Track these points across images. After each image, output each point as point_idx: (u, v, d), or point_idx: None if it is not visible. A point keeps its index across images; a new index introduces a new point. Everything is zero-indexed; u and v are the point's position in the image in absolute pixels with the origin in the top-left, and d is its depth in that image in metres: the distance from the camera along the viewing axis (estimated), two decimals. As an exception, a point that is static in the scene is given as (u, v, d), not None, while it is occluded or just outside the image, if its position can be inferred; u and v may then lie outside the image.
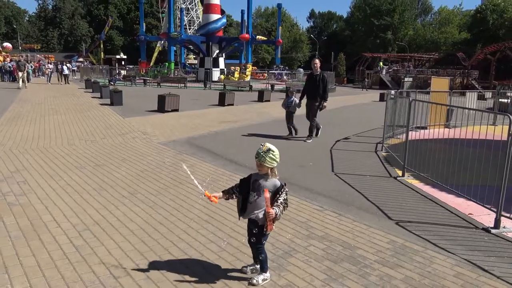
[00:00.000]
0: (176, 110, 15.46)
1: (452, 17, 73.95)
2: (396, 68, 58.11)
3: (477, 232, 4.73)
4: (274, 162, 3.17)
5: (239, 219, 3.41)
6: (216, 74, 39.04)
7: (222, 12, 45.79)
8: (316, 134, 10.58)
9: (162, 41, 52.73)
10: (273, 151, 3.15)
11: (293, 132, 10.76)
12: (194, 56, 59.74)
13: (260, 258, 3.35)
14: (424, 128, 12.27)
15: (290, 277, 3.49)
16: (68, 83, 31.45)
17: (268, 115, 15.38)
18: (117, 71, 37.66)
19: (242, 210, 3.29)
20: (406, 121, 7.66)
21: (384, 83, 50.68)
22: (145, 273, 3.47)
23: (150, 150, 8.53)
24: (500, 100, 21.87)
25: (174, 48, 46.72)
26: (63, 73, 31.87)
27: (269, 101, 21.92)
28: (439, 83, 14.41)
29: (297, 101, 10.57)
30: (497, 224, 4.75)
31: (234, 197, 3.36)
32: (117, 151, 8.26)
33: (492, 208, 4.95)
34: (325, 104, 10.11)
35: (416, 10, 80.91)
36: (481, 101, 21.86)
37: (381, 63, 58.42)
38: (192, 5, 66.27)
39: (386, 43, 72.77)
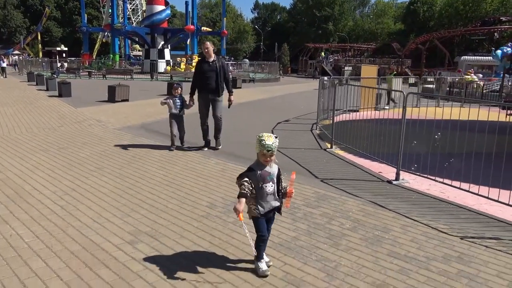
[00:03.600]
0: (127, 100, 16.02)
1: (388, 9, 78.10)
2: (336, 57, 60.70)
3: (382, 184, 6.06)
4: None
5: (260, 216, 3.29)
6: (162, 66, 39.23)
7: (166, 3, 45.73)
8: (208, 145, 8.11)
9: (106, 33, 51.69)
10: (276, 137, 3.27)
11: (177, 141, 8.08)
12: (140, 49, 59.06)
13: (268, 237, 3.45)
14: (356, 110, 13.83)
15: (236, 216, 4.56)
16: (5, 76, 30.56)
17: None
18: (60, 64, 36.83)
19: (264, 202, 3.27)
20: (332, 102, 8.95)
21: (327, 72, 53.01)
22: (123, 220, 4.40)
23: (108, 134, 9.26)
24: (425, 85, 24.19)
25: (118, 40, 46.14)
26: (1, 66, 30.92)
27: (216, 90, 22.82)
28: (369, 71, 16.02)
29: (188, 100, 7.99)
30: (397, 177, 6.10)
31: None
32: (77, 137, 8.92)
33: (394, 166, 6.29)
34: (232, 98, 8.08)
35: (354, 2, 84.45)
36: (413, 87, 24.09)
37: (322, 53, 60.80)
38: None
39: (327, 34, 75.53)
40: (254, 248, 3.33)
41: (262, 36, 76.41)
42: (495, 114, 6.21)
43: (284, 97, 20.62)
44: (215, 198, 5.15)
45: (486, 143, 5.21)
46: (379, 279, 3.32)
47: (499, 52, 27.02)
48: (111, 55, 42.83)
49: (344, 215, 4.71)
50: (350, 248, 3.86)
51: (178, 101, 7.93)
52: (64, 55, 64.67)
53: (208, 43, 7.73)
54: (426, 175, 5.94)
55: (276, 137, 3.25)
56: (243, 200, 3.17)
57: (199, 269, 3.38)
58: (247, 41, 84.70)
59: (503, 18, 48.14)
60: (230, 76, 8.39)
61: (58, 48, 71.08)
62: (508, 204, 4.79)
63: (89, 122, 10.94)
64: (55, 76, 26.66)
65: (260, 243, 3.33)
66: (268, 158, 3.25)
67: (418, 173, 6.10)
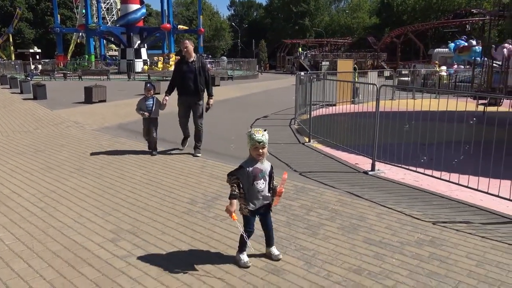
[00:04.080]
0: (104, 101, 15.87)
1: (363, 3, 78.87)
2: (314, 53, 61.16)
3: (359, 174, 6.23)
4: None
5: (249, 213, 3.38)
6: (139, 65, 38.84)
7: (141, 2, 45.31)
8: (184, 144, 7.81)
9: (80, 33, 50.86)
10: (265, 130, 3.30)
11: (152, 146, 7.47)
12: (116, 49, 58.31)
13: (273, 231, 3.58)
14: (333, 104, 14.05)
15: (217, 211, 4.64)
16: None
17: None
18: (33, 66, 36.08)
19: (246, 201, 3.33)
20: (309, 97, 9.10)
21: (305, 67, 53.37)
22: (104, 219, 4.43)
23: (86, 136, 9.20)
24: (400, 78, 24.67)
25: (93, 40, 45.46)
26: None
27: (194, 88, 22.81)
28: (345, 65, 16.27)
29: (161, 100, 7.42)
30: (373, 168, 6.28)
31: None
32: (54, 139, 8.83)
33: (370, 157, 6.46)
34: (211, 101, 7.40)
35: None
36: (389, 80, 24.54)
37: (300, 49, 61.19)
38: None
39: (304, 30, 76.00)
40: (247, 239, 3.36)
41: (239, 33, 76.37)
42: (468, 104, 6.45)
43: (263, 94, 20.73)
44: (196, 195, 5.22)
45: (455, 132, 5.42)
46: (355, 264, 3.45)
47: (452, 45, 28.54)
48: (86, 56, 42.19)
49: (322, 206, 4.85)
50: (327, 237, 3.99)
51: (150, 103, 7.32)
52: (37, 57, 63.25)
53: (187, 41, 7.21)
54: (400, 165, 6.13)
55: (265, 130, 3.31)
56: (234, 201, 3.25)
57: (182, 263, 3.45)
58: (224, 38, 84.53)
59: (474, 11, 49.33)
60: (210, 76, 7.64)
61: (31, 50, 69.45)
62: (477, 190, 5.00)
63: (66, 124, 10.83)
64: (29, 78, 26.14)
65: (244, 238, 3.38)
66: (260, 151, 3.29)
67: (393, 163, 6.29)
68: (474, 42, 29.28)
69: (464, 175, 5.23)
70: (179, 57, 8.07)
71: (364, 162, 6.77)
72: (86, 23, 40.69)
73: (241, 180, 3.29)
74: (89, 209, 4.69)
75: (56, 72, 33.33)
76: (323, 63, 48.80)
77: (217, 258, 3.55)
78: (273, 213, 4.55)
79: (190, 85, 7.08)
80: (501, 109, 8.79)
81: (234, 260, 3.48)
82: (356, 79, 15.50)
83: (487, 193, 4.90)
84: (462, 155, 5.35)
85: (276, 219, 4.42)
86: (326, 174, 6.22)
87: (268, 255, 3.56)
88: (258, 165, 3.33)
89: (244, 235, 3.34)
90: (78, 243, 3.82)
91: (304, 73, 12.68)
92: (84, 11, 43.62)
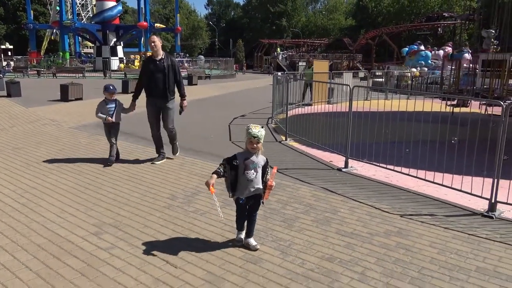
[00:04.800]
0: (80, 99, 15.75)
1: (339, 5, 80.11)
2: (291, 53, 61.67)
3: (333, 171, 6.50)
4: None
5: (232, 196, 3.66)
6: (115, 63, 38.43)
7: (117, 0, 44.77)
8: (161, 157, 6.88)
9: (54, 30, 49.88)
10: (262, 127, 3.55)
11: (114, 154, 6.69)
12: (91, 45, 57.39)
13: (254, 224, 3.82)
14: (310, 104, 14.38)
15: (197, 206, 4.82)
16: None
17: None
18: (5, 63, 35.24)
19: (235, 188, 3.60)
20: (286, 97, 9.35)
21: (282, 67, 53.78)
22: (86, 213, 4.54)
23: (64, 134, 9.19)
24: (375, 79, 25.27)
25: (68, 37, 44.68)
26: None
27: (172, 87, 22.82)
28: (320, 65, 16.62)
29: (123, 104, 6.91)
30: (346, 165, 6.57)
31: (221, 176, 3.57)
32: (31, 136, 8.80)
33: (343, 155, 6.75)
34: (185, 103, 6.84)
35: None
36: (364, 81, 25.11)
37: (278, 49, 61.61)
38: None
39: (281, 30, 76.58)
40: (220, 213, 3.78)
41: (217, 32, 76.31)
42: (437, 106, 6.81)
43: (240, 93, 20.93)
44: (176, 190, 5.38)
45: (422, 131, 5.74)
46: (328, 253, 3.69)
47: (405, 49, 30.51)
48: (61, 53, 41.41)
49: (298, 200, 5.08)
50: (302, 229, 4.22)
51: (111, 106, 6.66)
52: (9, 53, 61.61)
53: (155, 36, 6.51)
54: (372, 162, 6.44)
55: (262, 127, 3.57)
56: (215, 176, 3.53)
57: (164, 254, 3.62)
58: (201, 37, 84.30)
59: (446, 14, 50.78)
60: (181, 76, 6.88)
61: (2, 46, 67.54)
62: (442, 185, 5.33)
63: (43, 121, 10.76)
64: (1, 76, 25.54)
65: (238, 219, 3.83)
66: (255, 145, 3.54)
67: (365, 161, 6.59)
68: (422, 47, 31.16)
69: (430, 172, 5.56)
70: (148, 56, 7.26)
71: (338, 160, 7.05)
72: (61, 19, 39.99)
73: (229, 167, 3.55)
74: (71, 205, 4.79)
75: (29, 69, 32.63)
76: (300, 63, 49.26)
77: (197, 249, 3.72)
78: (251, 207, 4.79)
79: (159, 86, 6.43)
80: (464, 109, 9.25)
81: (214, 250, 3.67)
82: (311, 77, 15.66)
83: (451, 187, 5.24)
84: (407, 148, 5.67)
85: (254, 212, 4.62)
86: (302, 171, 6.47)
87: (246, 246, 3.77)
88: (253, 158, 3.58)
89: (218, 206, 3.70)
90: (61, 236, 3.93)
91: (281, 73, 12.93)
92: (58, 8, 42.81)
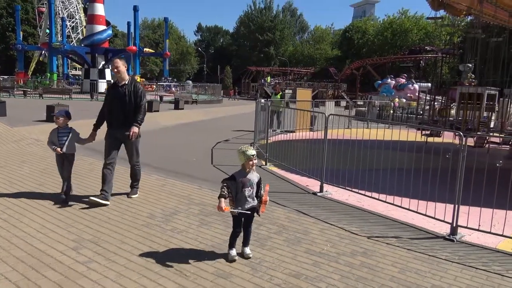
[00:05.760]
0: (66, 120, 15.83)
1: (325, 35, 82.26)
2: (277, 81, 62.71)
3: (308, 195, 6.77)
4: None
5: (237, 214, 4.03)
6: (102, 86, 38.62)
7: (108, 23, 45.37)
8: (103, 198, 5.65)
9: (43, 51, 50.10)
10: (251, 145, 4.32)
11: (66, 190, 5.84)
12: (80, 67, 57.63)
13: (250, 235, 4.23)
14: (292, 131, 14.73)
15: (174, 225, 5.01)
16: None
17: (157, 124, 16.64)
18: (-8, 82, 35.18)
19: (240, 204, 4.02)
20: (266, 123, 9.69)
21: (268, 94, 54.59)
22: (66, 230, 4.70)
23: (48, 153, 9.28)
24: (358, 108, 25.92)
25: (56, 58, 44.91)
26: None
27: (158, 111, 23.05)
28: (304, 94, 17.10)
29: (79, 134, 6.17)
30: (321, 189, 6.85)
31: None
32: (15, 155, 8.92)
33: (319, 179, 7.03)
34: (135, 130, 5.75)
35: (294, 28, 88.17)
36: (347, 110, 25.70)
37: (269, 77, 62.62)
38: (74, 11, 63.71)
39: (269, 58, 78.08)
40: (244, 211, 4.02)
41: (205, 58, 77.40)
42: (412, 135, 7.19)
43: (226, 118, 21.28)
44: (155, 210, 5.57)
45: (390, 159, 6.07)
46: (295, 270, 3.92)
47: (378, 82, 33.47)
48: (49, 74, 41.54)
49: (272, 221, 5.32)
50: (273, 248, 4.45)
51: (63, 135, 5.90)
52: (-4, 73, 61.48)
53: (118, 60, 5.87)
54: (346, 187, 6.73)
55: (251, 145, 4.00)
56: (222, 199, 3.95)
57: (139, 268, 3.80)
58: (190, 62, 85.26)
59: (428, 48, 52.51)
60: (144, 102, 5.92)
61: (-11, 66, 67.43)
62: (408, 209, 5.63)
63: (27, 141, 10.87)
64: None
65: (234, 236, 4.14)
66: (251, 162, 4.04)
67: (340, 186, 6.88)
68: (388, 80, 34.00)
69: (399, 197, 5.85)
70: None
71: (314, 184, 7.33)
72: (50, 41, 40.28)
73: (231, 187, 4.01)
74: (51, 221, 4.94)
75: (15, 89, 32.63)
76: (287, 91, 50.12)
77: (172, 264, 3.91)
78: (226, 227, 5.00)
79: (118, 114, 5.75)
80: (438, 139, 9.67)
81: (187, 265, 3.86)
82: (280, 106, 15.88)
83: (416, 212, 5.54)
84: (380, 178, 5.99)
85: (228, 232, 4.79)
86: (279, 194, 6.71)
87: (241, 254, 4.18)
88: (248, 176, 4.05)
89: (235, 210, 4.02)
90: (41, 250, 4.09)
91: (265, 100, 13.31)
92: (48, 30, 43.20)
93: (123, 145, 6.03)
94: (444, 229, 5.17)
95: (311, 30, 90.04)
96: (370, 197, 6.26)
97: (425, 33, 62.61)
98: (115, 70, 5.80)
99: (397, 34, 63.87)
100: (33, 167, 7.81)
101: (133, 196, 6.15)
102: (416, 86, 32.54)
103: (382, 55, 59.36)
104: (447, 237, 4.99)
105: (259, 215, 4.22)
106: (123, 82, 5.83)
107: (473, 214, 5.04)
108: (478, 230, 4.94)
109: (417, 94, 29.52)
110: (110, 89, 6.08)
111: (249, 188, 4.04)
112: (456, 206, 4.96)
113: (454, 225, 5.00)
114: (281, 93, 16.82)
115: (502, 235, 4.80)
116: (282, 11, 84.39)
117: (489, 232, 4.88)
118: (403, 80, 34.61)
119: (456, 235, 4.99)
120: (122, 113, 5.75)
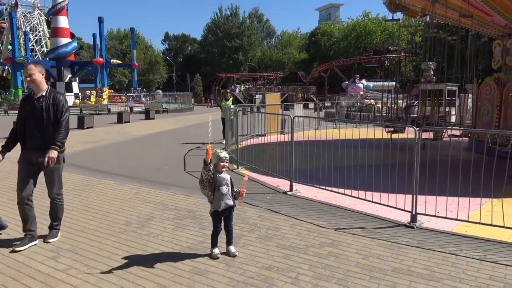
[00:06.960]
0: (34, 135, 15.64)
1: (292, 39, 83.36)
2: (247, 86, 63.17)
3: (279, 194, 7.05)
4: None
5: (218, 211, 4.30)
6: (70, 99, 38.02)
7: (72, 36, 44.76)
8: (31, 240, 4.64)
9: (5, 67, 48.87)
10: (225, 150, 4.55)
11: None
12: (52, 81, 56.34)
13: (232, 233, 4.50)
14: (263, 135, 15.03)
15: (150, 229, 5.19)
16: None
17: (129, 134, 16.68)
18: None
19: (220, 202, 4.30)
20: (236, 128, 9.96)
21: (240, 100, 54.90)
22: (44, 241, 4.80)
23: (16, 168, 9.24)
24: (327, 110, 26.49)
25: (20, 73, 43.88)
26: None
27: (128, 122, 22.97)
28: (272, 98, 17.47)
29: None
30: (291, 188, 7.15)
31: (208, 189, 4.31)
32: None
33: (288, 179, 7.33)
34: (53, 154, 4.51)
35: (262, 34, 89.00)
36: (318, 112, 26.25)
37: (241, 86, 62.88)
38: (37, 24, 62.33)
39: (238, 64, 78.51)
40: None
41: (175, 67, 77.09)
42: (378, 133, 7.58)
43: (197, 126, 21.42)
44: (131, 217, 5.72)
45: (358, 156, 6.43)
46: (267, 263, 4.17)
47: (344, 83, 38.45)
48: (13, 90, 40.55)
49: (244, 221, 5.56)
50: (246, 245, 4.69)
51: None
52: (-44, 91, 59.44)
53: (32, 66, 4.68)
54: (314, 185, 7.05)
55: (225, 150, 4.63)
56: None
57: (118, 271, 3.97)
58: (159, 72, 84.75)
59: (391, 48, 54.01)
60: (66, 118, 4.72)
61: (-51, 84, 65.13)
62: (373, 202, 5.99)
63: (-4, 158, 10.73)
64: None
65: (215, 234, 4.38)
66: (222, 164, 4.34)
67: (309, 184, 7.19)
68: (346, 83, 36.67)
69: (363, 191, 6.19)
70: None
71: (284, 184, 7.62)
72: (13, 56, 39.40)
73: (212, 177, 4.30)
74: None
75: (-22, 107, 31.79)
76: (257, 96, 50.57)
77: (149, 266, 4.10)
78: (201, 229, 5.22)
79: (34, 134, 4.62)
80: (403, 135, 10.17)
81: (164, 265, 4.06)
82: (227, 114, 15.95)
83: (379, 203, 5.89)
84: (344, 178, 6.35)
85: (203, 233, 5.05)
86: (251, 195, 6.94)
87: (227, 252, 4.41)
88: (222, 175, 4.36)
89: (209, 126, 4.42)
90: (20, 262, 4.20)
91: (234, 106, 13.56)
92: (10, 46, 42.20)
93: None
94: (406, 218, 5.52)
95: (278, 35, 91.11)
96: (337, 192, 6.59)
97: (388, 34, 64.37)
98: (28, 78, 4.64)
99: (362, 36, 65.43)
100: (3, 183, 7.82)
101: (51, 240, 4.78)
102: (360, 85, 35.50)
103: (348, 57, 60.68)
104: (408, 224, 5.35)
105: (233, 211, 4.48)
106: (40, 94, 4.66)
107: (431, 202, 5.44)
108: (436, 216, 5.33)
109: (361, 92, 33.69)
110: (25, 103, 4.79)
111: (225, 186, 4.33)
112: (414, 196, 5.33)
113: (414, 213, 5.37)
114: (231, 98, 16.51)
115: (457, 219, 5.20)
116: (248, 17, 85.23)
117: (446, 217, 5.28)
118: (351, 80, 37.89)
119: (416, 222, 5.35)
120: (38, 132, 4.60)
